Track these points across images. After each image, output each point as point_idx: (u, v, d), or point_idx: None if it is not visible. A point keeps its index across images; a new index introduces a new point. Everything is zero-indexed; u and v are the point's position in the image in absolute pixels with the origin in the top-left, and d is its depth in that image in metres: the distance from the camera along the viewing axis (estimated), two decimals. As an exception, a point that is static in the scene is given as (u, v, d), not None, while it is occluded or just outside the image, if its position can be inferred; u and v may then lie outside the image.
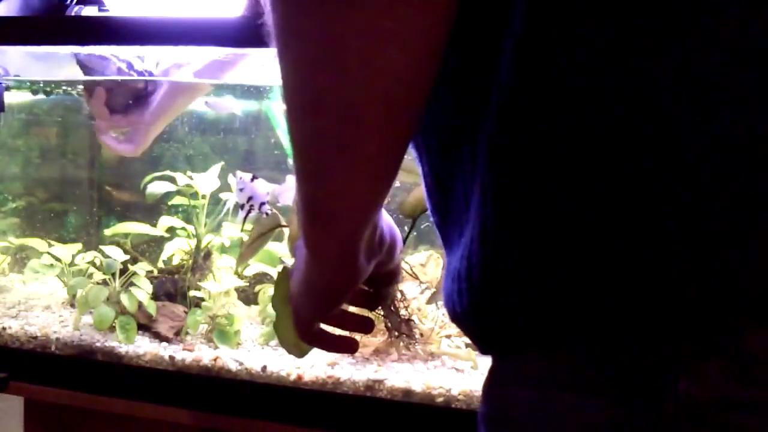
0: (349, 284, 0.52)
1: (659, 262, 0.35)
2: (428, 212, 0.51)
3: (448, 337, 1.15)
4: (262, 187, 1.13)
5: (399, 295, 0.67)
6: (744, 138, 0.34)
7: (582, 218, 0.37)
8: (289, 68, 0.40)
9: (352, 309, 0.71)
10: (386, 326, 0.66)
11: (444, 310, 1.17)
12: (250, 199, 1.13)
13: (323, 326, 0.63)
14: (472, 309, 0.42)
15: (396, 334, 0.65)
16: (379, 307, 0.82)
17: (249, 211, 1.12)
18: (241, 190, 1.14)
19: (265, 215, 1.12)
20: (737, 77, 0.34)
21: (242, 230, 1.17)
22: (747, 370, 0.35)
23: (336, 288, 0.53)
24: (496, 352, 0.45)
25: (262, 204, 1.12)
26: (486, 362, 1.14)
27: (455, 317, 0.45)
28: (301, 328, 0.59)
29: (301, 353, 0.67)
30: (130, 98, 1.20)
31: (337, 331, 0.65)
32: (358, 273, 0.51)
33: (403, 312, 0.66)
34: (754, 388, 0.35)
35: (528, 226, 0.38)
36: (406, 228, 1.11)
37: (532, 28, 0.37)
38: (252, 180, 1.13)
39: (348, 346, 0.64)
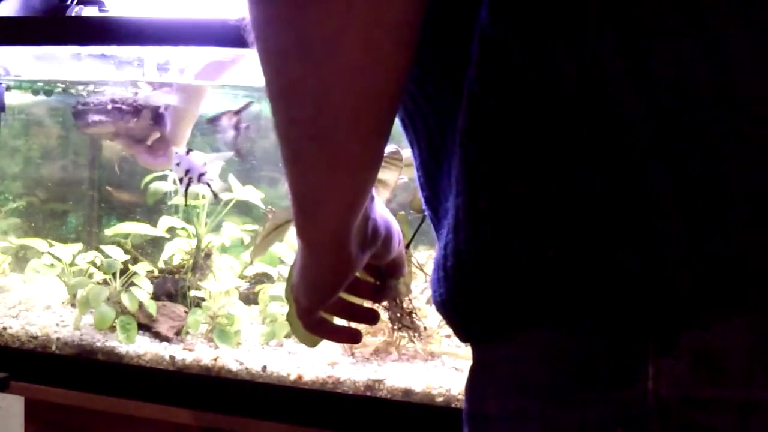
0: (341, 274, 0.53)
1: (621, 258, 0.35)
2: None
3: (448, 336, 1.15)
4: (198, 159, 1.14)
5: (405, 289, 0.67)
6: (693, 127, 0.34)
7: (545, 209, 0.37)
8: (263, 59, 0.40)
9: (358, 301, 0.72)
10: (390, 318, 0.66)
11: (444, 310, 1.17)
12: (187, 172, 1.13)
13: (328, 317, 0.64)
14: (449, 297, 0.43)
15: (399, 325, 0.66)
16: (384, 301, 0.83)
17: (188, 184, 1.13)
18: (177, 164, 1.14)
19: (206, 185, 1.13)
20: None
21: (186, 204, 1.18)
22: (711, 368, 0.35)
23: (328, 277, 0.53)
24: (472, 341, 0.46)
25: (201, 175, 1.13)
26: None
27: (437, 306, 0.46)
28: (302, 317, 0.60)
29: (312, 343, 0.68)
30: (149, 121, 1.21)
31: (344, 323, 0.66)
32: (350, 263, 0.52)
33: (406, 305, 0.66)
34: (718, 387, 0.35)
35: (493, 216, 0.39)
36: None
37: (495, 18, 0.38)
38: (187, 153, 1.14)
39: (351, 337, 0.65)
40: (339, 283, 0.54)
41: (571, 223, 0.36)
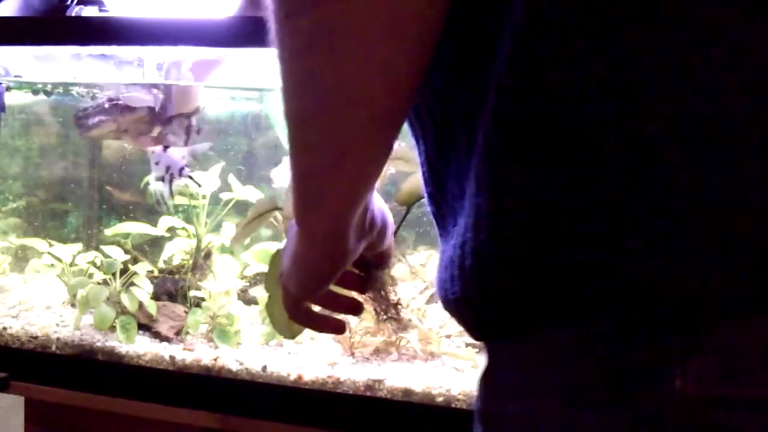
0: (337, 263, 0.53)
1: (648, 258, 0.35)
2: (425, 202, 0.51)
3: (448, 337, 1.15)
4: (177, 153, 1.14)
5: (390, 281, 0.67)
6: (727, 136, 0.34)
7: (572, 210, 0.37)
8: (285, 43, 0.41)
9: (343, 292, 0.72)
10: (375, 310, 0.66)
11: (444, 311, 1.17)
12: (168, 168, 1.14)
13: (314, 308, 0.64)
14: (464, 296, 0.42)
15: (384, 317, 0.66)
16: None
17: (171, 180, 1.13)
18: (156, 163, 1.15)
19: (188, 177, 1.13)
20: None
21: (172, 200, 1.19)
22: (736, 367, 0.35)
23: (324, 266, 0.54)
24: (486, 340, 0.46)
25: (182, 169, 1.14)
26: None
27: (447, 304, 0.45)
28: (289, 305, 0.60)
29: (292, 334, 0.68)
30: (148, 112, 1.22)
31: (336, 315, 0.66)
32: (347, 252, 0.52)
33: (392, 296, 0.66)
34: (746, 387, 0.35)
35: (520, 216, 0.38)
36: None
37: (532, 18, 0.37)
38: (164, 150, 1.14)
39: (336, 327, 0.65)
40: (334, 273, 0.55)
41: (599, 224, 0.36)
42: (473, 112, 0.42)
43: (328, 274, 0.55)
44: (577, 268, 0.37)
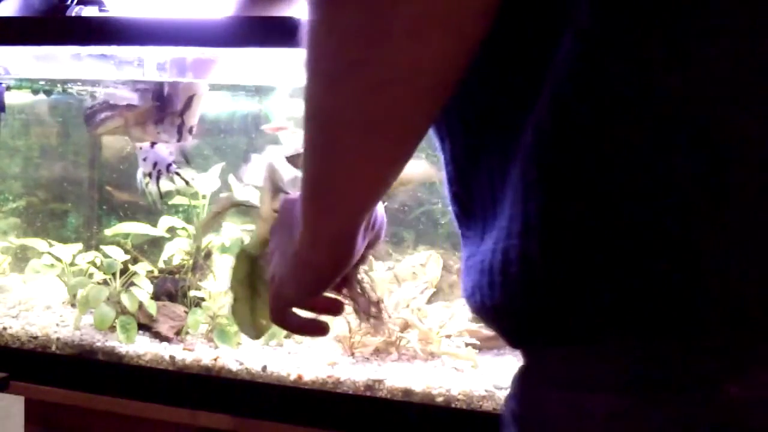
0: (344, 264, 0.52)
1: (709, 270, 0.35)
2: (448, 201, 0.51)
3: (448, 337, 1.15)
4: (164, 150, 1.15)
5: (365, 277, 0.67)
6: None
7: (634, 223, 0.36)
8: (324, 33, 0.39)
9: None
10: (354, 309, 0.65)
11: (444, 311, 1.17)
12: (155, 164, 1.14)
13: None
14: (506, 303, 0.41)
15: (365, 316, 0.65)
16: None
17: (158, 176, 1.14)
18: (144, 159, 1.15)
19: (175, 174, 1.14)
20: None
21: (162, 198, 1.19)
22: None
23: (329, 268, 0.52)
24: (529, 347, 0.45)
25: (169, 165, 1.14)
26: (486, 362, 1.14)
27: (482, 310, 0.44)
28: (279, 309, 0.58)
29: (257, 335, 0.68)
30: (155, 102, 1.21)
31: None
32: (354, 254, 0.51)
33: (372, 295, 0.66)
34: None
35: (578, 228, 0.37)
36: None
37: (602, 26, 0.36)
38: (152, 146, 1.14)
39: (321, 329, 0.64)
40: (338, 275, 0.54)
41: (658, 240, 0.36)
42: (512, 116, 0.41)
43: (331, 276, 0.53)
44: (634, 282, 0.36)
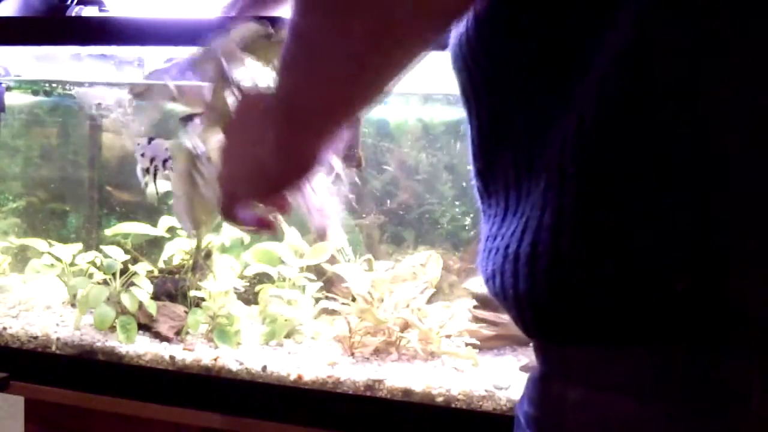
0: (305, 175, 0.53)
1: (734, 280, 0.35)
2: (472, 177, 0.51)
3: (448, 337, 1.15)
4: (161, 145, 1.15)
5: (323, 190, 0.69)
6: None
7: (668, 231, 0.36)
8: None
9: None
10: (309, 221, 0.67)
11: (444, 311, 1.17)
12: (152, 160, 1.15)
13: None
14: (531, 295, 0.41)
15: (316, 228, 0.66)
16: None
17: (155, 172, 1.14)
18: (142, 155, 1.16)
19: (171, 170, 1.14)
20: None
21: (157, 193, 1.19)
22: None
23: (291, 176, 0.53)
24: (549, 344, 0.45)
25: (165, 161, 1.14)
26: (486, 362, 1.14)
27: (503, 296, 0.44)
28: (230, 205, 0.59)
29: (196, 229, 0.69)
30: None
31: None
32: (317, 165, 0.52)
33: (324, 207, 0.67)
34: None
35: (613, 229, 0.37)
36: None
37: (647, 28, 0.36)
38: (149, 142, 1.15)
39: (267, 226, 0.64)
40: (296, 183, 0.55)
41: (688, 251, 0.36)
42: (543, 103, 0.41)
43: (289, 184, 0.54)
44: (665, 292, 0.36)
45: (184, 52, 1.15)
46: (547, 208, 0.40)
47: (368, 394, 1.02)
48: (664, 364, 0.37)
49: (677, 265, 0.36)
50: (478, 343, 1.15)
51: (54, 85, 1.44)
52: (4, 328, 1.19)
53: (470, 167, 0.50)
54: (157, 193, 1.18)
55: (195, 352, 1.13)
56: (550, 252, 0.39)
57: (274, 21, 0.72)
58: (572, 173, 0.39)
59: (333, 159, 0.65)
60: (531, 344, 0.48)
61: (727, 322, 0.35)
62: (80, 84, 1.40)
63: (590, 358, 0.41)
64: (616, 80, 0.37)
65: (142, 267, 1.26)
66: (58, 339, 1.16)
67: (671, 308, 0.36)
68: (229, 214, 0.60)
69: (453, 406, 0.99)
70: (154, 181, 1.15)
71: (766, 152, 0.34)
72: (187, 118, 1.17)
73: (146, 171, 1.16)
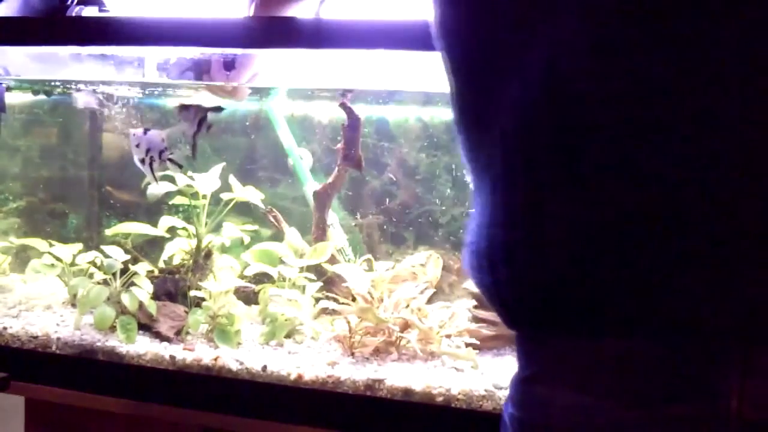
0: None
1: (700, 279, 0.35)
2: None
3: (448, 337, 1.15)
4: (157, 136, 1.15)
5: None
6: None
7: (620, 221, 0.37)
8: None
9: None
10: None
11: (444, 311, 1.17)
12: (148, 150, 1.15)
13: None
14: (495, 289, 0.43)
15: None
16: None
17: (152, 163, 1.14)
18: (137, 146, 1.16)
19: (168, 161, 1.14)
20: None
21: (157, 182, 1.19)
22: None
23: None
24: (518, 330, 0.46)
25: (162, 152, 1.15)
26: (486, 362, 1.14)
27: (479, 288, 0.46)
28: None
29: None
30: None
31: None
32: None
33: None
34: None
35: (562, 222, 0.38)
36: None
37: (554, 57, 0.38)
38: (145, 133, 1.15)
39: None
40: None
41: (659, 241, 0.36)
42: (483, 104, 0.42)
43: None
44: (618, 281, 0.37)
45: (184, 52, 1.15)
46: (501, 202, 0.41)
47: (368, 394, 1.02)
48: (645, 368, 0.38)
49: (625, 257, 0.37)
50: (478, 343, 1.15)
51: (54, 84, 1.44)
52: (5, 328, 1.20)
53: None
54: (156, 181, 1.18)
55: (195, 352, 1.13)
56: (506, 246, 0.41)
57: None
58: (519, 170, 0.40)
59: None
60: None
61: (700, 322, 0.36)
62: (80, 84, 1.40)
63: (574, 361, 0.41)
64: (533, 95, 0.39)
65: (143, 267, 1.26)
66: (58, 339, 1.16)
67: (618, 300, 0.37)
68: None
69: (453, 405, 0.99)
70: (152, 172, 1.16)
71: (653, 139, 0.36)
72: (184, 107, 1.18)
73: (142, 162, 1.16)
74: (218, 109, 1.15)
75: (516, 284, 0.41)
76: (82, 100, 1.39)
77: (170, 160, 1.15)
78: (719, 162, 0.34)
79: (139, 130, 1.17)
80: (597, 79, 0.37)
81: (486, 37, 0.43)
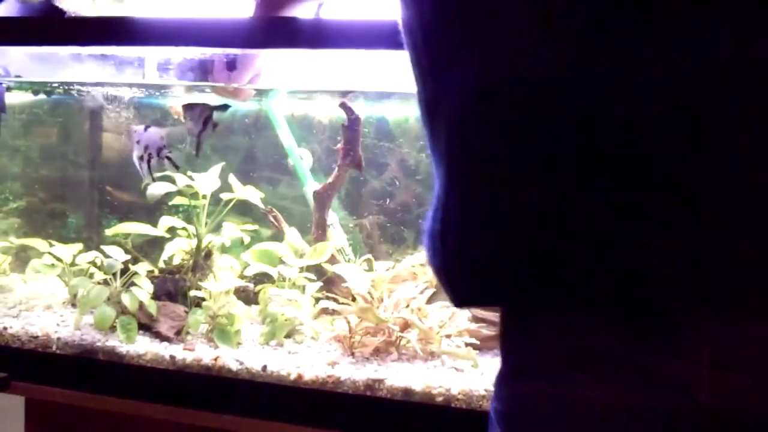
0: None
1: (663, 246, 0.36)
2: None
3: (448, 336, 1.15)
4: (156, 134, 1.16)
5: None
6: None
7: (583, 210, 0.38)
8: None
9: None
10: None
11: (444, 311, 1.17)
12: (146, 148, 1.15)
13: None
14: (444, 268, 0.46)
15: None
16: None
17: (149, 160, 1.15)
18: (137, 142, 1.17)
19: (165, 159, 1.15)
20: None
21: (153, 180, 1.19)
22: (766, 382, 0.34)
23: None
24: (465, 307, 0.48)
25: (160, 150, 1.15)
26: (486, 362, 1.14)
27: (432, 271, 0.48)
28: None
29: None
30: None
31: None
32: None
33: None
34: None
35: (494, 208, 0.41)
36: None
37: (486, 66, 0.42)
38: (145, 130, 1.16)
39: None
40: None
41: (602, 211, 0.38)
42: (432, 93, 0.47)
43: None
44: (565, 255, 0.38)
45: (184, 52, 1.15)
46: (454, 192, 0.44)
47: (368, 394, 1.02)
48: (617, 360, 0.39)
49: (576, 240, 0.38)
50: (478, 343, 1.15)
51: (54, 85, 1.44)
52: (5, 328, 1.20)
53: None
54: (153, 179, 1.18)
55: (195, 351, 1.13)
56: (458, 229, 0.44)
57: None
58: (455, 154, 0.44)
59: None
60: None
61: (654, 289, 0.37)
62: (81, 84, 1.41)
63: (550, 355, 0.43)
64: (470, 88, 0.43)
65: (143, 267, 1.26)
66: (58, 339, 1.16)
67: (571, 277, 0.39)
68: None
69: (453, 405, 0.99)
70: (149, 169, 1.16)
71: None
72: (189, 106, 1.19)
73: (141, 159, 1.17)
74: (224, 107, 1.15)
75: (460, 260, 0.44)
76: (96, 98, 1.39)
77: (168, 158, 1.15)
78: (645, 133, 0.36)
79: (141, 127, 1.17)
80: (518, 82, 0.40)
81: (433, 33, 0.46)
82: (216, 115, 1.13)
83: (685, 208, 0.35)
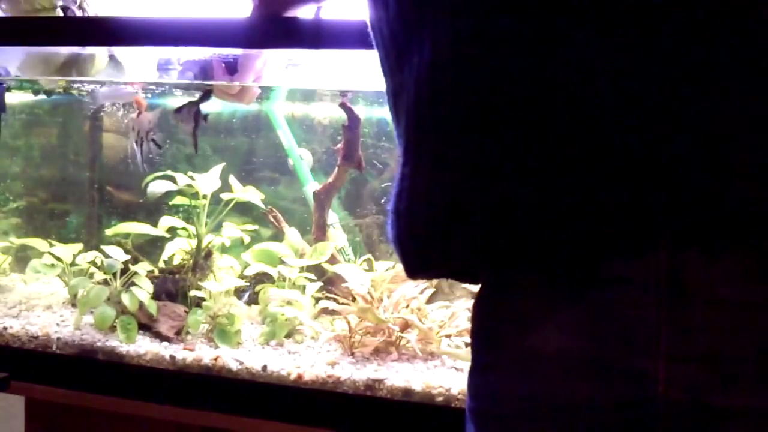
0: None
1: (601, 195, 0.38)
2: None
3: (448, 336, 1.15)
4: (145, 118, 1.22)
5: None
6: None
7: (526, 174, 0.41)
8: None
9: None
10: None
11: (444, 311, 1.17)
12: (138, 132, 1.21)
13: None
14: (400, 239, 0.48)
15: None
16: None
17: (141, 142, 1.18)
18: (132, 128, 1.23)
19: (152, 143, 1.17)
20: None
21: (143, 163, 1.22)
22: (722, 375, 0.35)
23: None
24: (416, 277, 0.50)
25: (147, 132, 1.18)
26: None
27: (389, 238, 0.50)
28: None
29: None
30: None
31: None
32: None
33: None
34: (730, 395, 0.34)
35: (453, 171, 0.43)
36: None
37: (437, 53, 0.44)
38: (137, 116, 1.21)
39: None
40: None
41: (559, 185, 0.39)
42: (396, 78, 0.49)
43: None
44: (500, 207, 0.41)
45: (184, 52, 1.15)
46: (404, 167, 0.47)
47: (368, 394, 1.02)
48: (576, 355, 0.40)
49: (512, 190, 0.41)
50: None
51: (52, 87, 1.44)
52: (5, 328, 1.20)
53: None
54: (144, 169, 1.21)
55: (195, 351, 1.13)
56: (407, 200, 0.46)
57: None
58: (412, 139, 0.46)
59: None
60: None
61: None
62: (80, 84, 1.41)
63: (514, 351, 0.43)
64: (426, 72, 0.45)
65: (143, 267, 1.26)
66: (58, 339, 1.16)
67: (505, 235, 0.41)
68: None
69: (453, 405, 0.99)
70: (140, 152, 1.18)
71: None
72: (177, 110, 1.20)
73: (136, 143, 1.19)
74: (206, 95, 1.16)
75: (408, 228, 0.46)
76: (107, 95, 1.40)
77: (153, 141, 1.18)
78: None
79: (135, 113, 1.20)
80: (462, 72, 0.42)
81: (397, 28, 0.48)
82: (202, 107, 1.15)
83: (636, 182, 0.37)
